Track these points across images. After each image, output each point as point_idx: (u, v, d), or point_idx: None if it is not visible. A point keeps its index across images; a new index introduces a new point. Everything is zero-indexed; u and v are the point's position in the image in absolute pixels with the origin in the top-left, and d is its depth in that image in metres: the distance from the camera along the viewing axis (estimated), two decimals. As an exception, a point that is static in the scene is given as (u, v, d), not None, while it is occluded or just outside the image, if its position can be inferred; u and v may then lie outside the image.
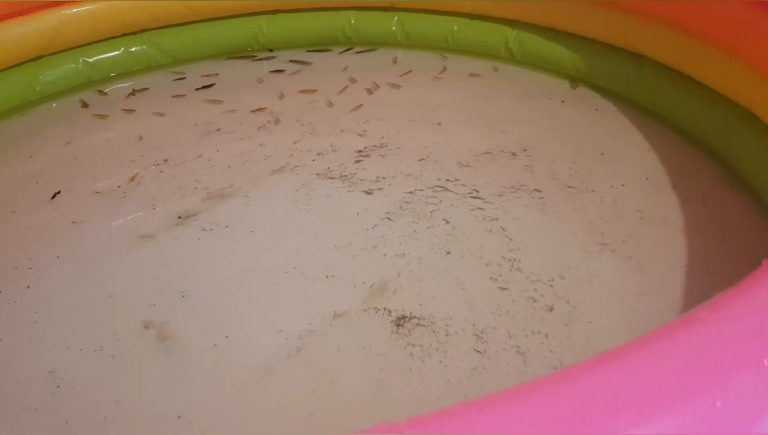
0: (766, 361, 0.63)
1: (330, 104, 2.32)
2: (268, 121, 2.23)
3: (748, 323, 0.68)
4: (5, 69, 2.32)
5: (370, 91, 2.37)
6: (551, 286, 1.58)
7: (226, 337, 1.48)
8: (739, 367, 0.62)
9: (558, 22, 2.34)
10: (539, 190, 1.87)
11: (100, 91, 2.43)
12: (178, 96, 2.41)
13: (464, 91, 2.33)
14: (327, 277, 1.64)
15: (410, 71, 2.48)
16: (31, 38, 2.31)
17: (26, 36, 2.31)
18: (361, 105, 2.30)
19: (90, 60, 2.46)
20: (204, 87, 2.44)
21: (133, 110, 2.32)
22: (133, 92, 2.42)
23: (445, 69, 2.48)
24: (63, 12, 2.35)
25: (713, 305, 0.72)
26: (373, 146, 2.10)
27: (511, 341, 1.45)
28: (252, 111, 2.29)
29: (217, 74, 2.53)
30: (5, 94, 2.32)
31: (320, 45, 2.67)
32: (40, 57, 2.38)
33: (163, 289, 1.61)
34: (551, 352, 1.42)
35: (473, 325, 1.49)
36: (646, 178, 1.89)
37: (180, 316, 1.54)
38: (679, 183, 1.86)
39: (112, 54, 2.50)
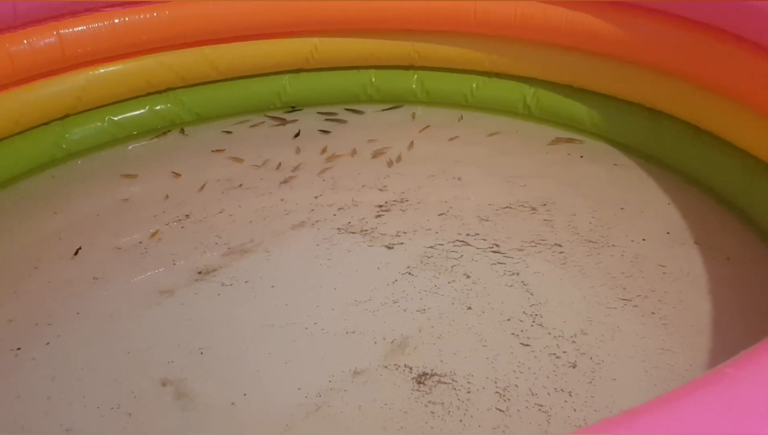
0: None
1: (351, 160, 2.34)
2: (290, 177, 2.26)
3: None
4: (33, 127, 2.38)
5: (390, 147, 2.40)
6: (574, 341, 1.55)
7: (245, 394, 1.47)
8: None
9: (575, 79, 2.37)
10: (560, 245, 1.85)
11: (126, 148, 2.48)
12: (202, 152, 2.45)
13: (483, 147, 2.35)
14: (347, 332, 1.63)
15: (428, 126, 2.50)
16: (59, 98, 2.38)
17: (55, 95, 2.37)
18: (382, 160, 2.32)
19: (115, 118, 2.52)
20: (224, 145, 2.48)
21: (158, 167, 2.36)
22: (159, 149, 2.47)
23: (463, 124, 2.51)
24: (90, 72, 2.42)
25: (740, 361, 0.70)
26: (394, 201, 2.11)
27: (534, 399, 1.42)
28: (274, 167, 2.31)
29: (238, 131, 2.57)
30: (33, 152, 2.37)
31: (342, 103, 2.72)
32: (67, 116, 2.44)
33: (181, 346, 1.61)
34: (575, 410, 1.39)
35: (495, 382, 1.46)
36: (667, 233, 1.87)
37: (198, 374, 1.53)
38: (701, 237, 1.84)
39: (138, 112, 2.56)
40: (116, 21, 2.37)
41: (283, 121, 2.62)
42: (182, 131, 2.57)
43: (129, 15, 2.39)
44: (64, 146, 2.42)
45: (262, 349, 1.59)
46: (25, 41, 2.21)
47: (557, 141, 2.34)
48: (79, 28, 2.31)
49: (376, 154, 2.36)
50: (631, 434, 0.62)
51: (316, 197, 2.15)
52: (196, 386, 1.49)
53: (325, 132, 2.53)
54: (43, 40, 2.25)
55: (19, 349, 1.61)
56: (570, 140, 2.34)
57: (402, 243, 1.92)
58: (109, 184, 2.28)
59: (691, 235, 1.86)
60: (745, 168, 1.91)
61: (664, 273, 1.74)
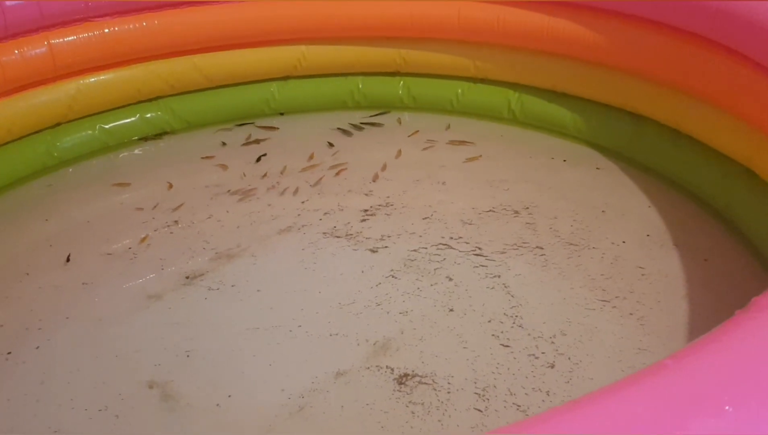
0: (727, 407, 0.64)
1: (336, 165, 2.37)
2: (277, 183, 2.29)
3: (713, 371, 0.69)
4: (25, 136, 2.41)
5: (376, 153, 2.43)
6: (553, 342, 1.58)
7: (229, 396, 1.50)
8: (702, 413, 0.63)
9: (558, 84, 2.41)
10: (541, 248, 1.89)
11: (116, 156, 2.51)
12: (191, 159, 2.48)
13: (469, 151, 2.38)
14: (331, 335, 1.66)
15: (417, 132, 2.54)
16: (50, 106, 2.41)
17: (46, 104, 2.40)
18: (367, 165, 2.35)
19: (106, 126, 2.55)
20: (213, 152, 2.51)
21: (147, 173, 2.39)
22: (149, 156, 2.50)
23: (449, 129, 2.54)
24: (81, 81, 2.45)
25: (681, 354, 0.74)
26: (379, 205, 2.14)
27: (512, 399, 1.45)
28: (262, 173, 2.35)
29: (227, 138, 2.60)
30: (24, 160, 2.40)
31: (329, 109, 2.75)
32: (58, 124, 2.47)
33: (168, 349, 1.63)
34: (553, 409, 1.42)
35: (474, 382, 1.49)
36: (647, 235, 1.91)
37: (184, 376, 1.56)
38: (680, 239, 1.88)
39: (128, 120, 2.59)
40: (106, 31, 2.41)
41: (270, 128, 2.65)
42: (159, 136, 2.59)
43: (119, 25, 2.43)
44: (55, 154, 2.45)
45: (248, 351, 1.62)
46: (16, 51, 2.25)
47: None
48: (70, 38, 2.35)
49: (361, 159, 2.39)
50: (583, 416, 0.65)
51: (302, 202, 2.19)
52: (183, 388, 1.52)
53: (311, 137, 2.56)
54: (34, 49, 2.28)
55: (9, 353, 1.64)
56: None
57: (386, 247, 1.95)
58: (100, 191, 2.31)
59: (671, 237, 1.89)
60: (724, 171, 1.95)
61: (642, 274, 1.77)
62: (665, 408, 0.66)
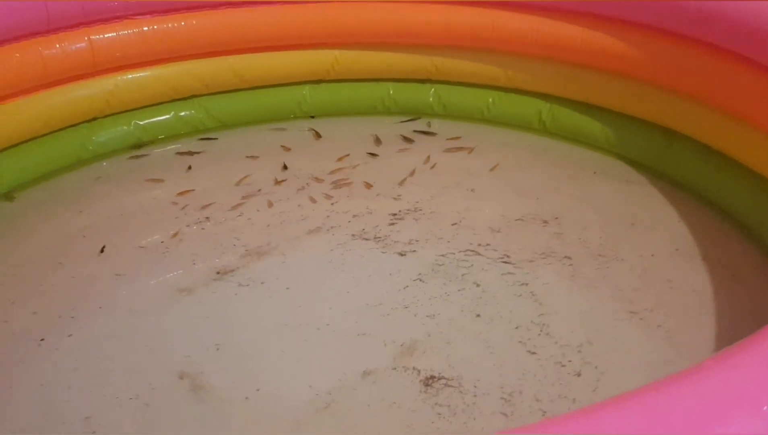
0: (765, 407, 0.65)
1: (367, 168, 2.39)
2: (307, 184, 2.32)
3: (751, 372, 0.70)
4: (62, 129, 2.46)
5: (407, 159, 2.45)
6: (580, 351, 1.59)
7: (258, 390, 1.52)
8: (740, 412, 0.64)
9: (591, 97, 2.41)
10: (569, 257, 1.89)
11: (148, 153, 2.55)
12: (222, 158, 2.52)
13: (498, 160, 2.39)
14: (358, 335, 1.67)
15: (446, 139, 2.55)
16: (88, 101, 2.46)
17: (84, 99, 2.45)
18: (396, 170, 2.37)
19: (141, 123, 2.59)
20: (244, 151, 2.54)
21: (180, 170, 2.42)
22: (180, 154, 2.54)
23: (479, 138, 2.55)
24: (119, 77, 2.50)
25: (721, 356, 0.74)
26: (408, 210, 2.16)
27: (538, 405, 1.46)
28: (293, 174, 2.37)
29: (260, 139, 2.64)
30: (61, 152, 2.45)
31: (360, 114, 2.78)
32: (95, 118, 2.52)
33: (198, 342, 1.66)
34: (579, 417, 1.42)
35: (501, 387, 1.50)
36: (676, 249, 1.91)
37: (214, 368, 1.58)
38: (709, 254, 1.87)
39: (163, 117, 2.63)
40: (145, 29, 2.45)
41: (300, 129, 2.67)
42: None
43: (157, 23, 2.47)
44: (90, 148, 2.49)
45: (276, 347, 1.64)
46: (58, 45, 2.29)
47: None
48: (110, 35, 2.40)
49: (391, 164, 2.41)
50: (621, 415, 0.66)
51: (332, 204, 2.21)
52: (212, 380, 1.54)
53: (339, 141, 2.58)
54: (74, 44, 2.33)
55: (42, 339, 1.68)
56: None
57: (414, 251, 1.97)
58: (133, 185, 2.35)
59: (699, 251, 1.89)
60: (754, 187, 1.94)
61: (671, 288, 1.77)
62: (705, 407, 0.66)
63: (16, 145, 2.33)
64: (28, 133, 2.35)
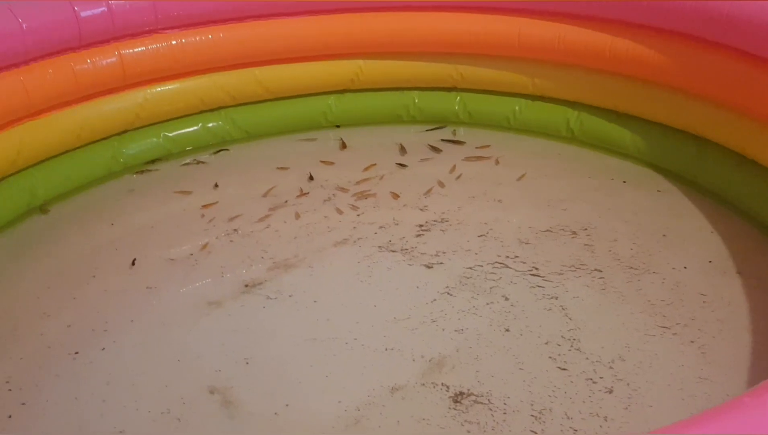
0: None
1: (393, 179, 2.39)
2: (333, 195, 2.32)
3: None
4: (93, 142, 2.50)
5: (432, 169, 2.45)
6: (611, 367, 1.57)
7: (287, 405, 1.53)
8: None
9: (619, 104, 2.38)
10: (600, 270, 1.87)
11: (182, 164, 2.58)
12: (249, 170, 2.53)
13: (525, 169, 2.37)
14: (386, 349, 1.67)
15: (473, 148, 2.54)
16: (118, 114, 2.50)
17: (114, 112, 2.49)
18: (422, 180, 2.36)
19: (170, 135, 2.62)
20: (270, 163, 2.55)
21: (208, 182, 2.45)
22: (208, 165, 2.56)
23: (505, 147, 2.54)
24: (148, 90, 2.53)
25: (759, 390, 0.73)
26: (434, 221, 2.15)
27: (569, 423, 1.44)
28: (318, 185, 2.38)
29: (286, 150, 2.65)
30: (92, 165, 2.48)
31: (385, 123, 2.78)
32: (125, 131, 2.56)
33: (228, 355, 1.67)
34: (610, 435, 1.40)
35: (531, 404, 1.49)
36: (710, 261, 1.87)
37: (243, 383, 1.59)
38: (744, 267, 1.84)
39: (191, 129, 2.66)
40: (173, 42, 2.48)
41: (325, 139, 2.68)
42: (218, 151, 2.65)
43: (185, 37, 2.50)
44: (121, 160, 2.53)
45: (305, 361, 1.65)
46: (89, 61, 2.34)
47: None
48: (139, 49, 2.43)
49: (416, 175, 2.40)
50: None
51: (358, 215, 2.21)
52: (242, 395, 1.55)
53: (366, 151, 2.58)
54: (105, 59, 2.37)
55: (77, 353, 1.70)
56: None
57: (441, 263, 1.96)
58: (163, 197, 2.38)
59: (734, 264, 1.86)
60: (791, 198, 1.91)
61: (704, 302, 1.74)
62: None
63: (50, 158, 2.37)
64: (61, 146, 2.39)
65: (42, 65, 2.24)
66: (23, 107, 2.24)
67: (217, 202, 2.31)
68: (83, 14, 2.27)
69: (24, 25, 2.13)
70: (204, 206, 2.29)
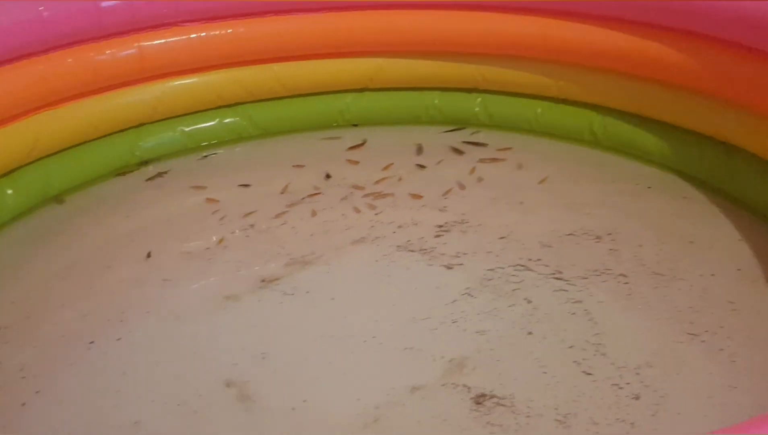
0: None
1: (412, 179, 2.36)
2: (351, 193, 2.29)
3: None
4: (110, 134, 2.49)
5: (451, 169, 2.41)
6: (638, 373, 1.53)
7: (304, 401, 1.49)
8: None
9: (644, 108, 2.34)
10: (625, 275, 1.83)
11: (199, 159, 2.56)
12: (266, 166, 2.51)
13: (547, 172, 2.33)
14: (405, 348, 1.64)
15: (493, 149, 2.50)
16: (136, 107, 2.48)
17: (132, 104, 2.47)
18: (442, 181, 2.33)
19: (187, 129, 2.60)
20: (287, 160, 2.53)
21: (225, 177, 2.42)
22: (224, 161, 2.54)
23: (526, 149, 2.50)
24: (166, 84, 2.52)
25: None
26: (454, 222, 2.12)
27: (595, 428, 1.40)
28: (336, 183, 2.36)
29: (304, 147, 2.62)
30: (108, 157, 2.47)
31: (403, 123, 2.75)
32: (142, 124, 2.54)
33: (245, 350, 1.64)
34: (637, 442, 1.36)
35: (555, 409, 1.45)
36: (738, 269, 1.83)
37: (260, 377, 1.56)
38: (774, 275, 1.80)
39: (208, 124, 2.64)
40: (193, 36, 2.46)
41: (343, 138, 2.65)
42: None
43: (205, 31, 2.48)
44: (137, 153, 2.51)
45: (322, 358, 1.62)
46: (108, 51, 2.32)
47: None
48: (159, 42, 2.41)
49: (435, 175, 2.37)
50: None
51: (376, 214, 2.18)
52: (259, 389, 1.52)
53: (384, 150, 2.55)
54: (124, 51, 2.36)
55: (92, 342, 1.68)
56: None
57: (461, 264, 1.93)
58: (179, 191, 2.35)
59: (763, 272, 1.81)
60: (821, 207, 1.87)
61: (733, 309, 1.70)
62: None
63: (67, 149, 2.35)
64: (78, 137, 2.37)
65: (61, 55, 2.23)
66: (41, 97, 2.23)
67: (232, 198, 2.28)
68: (104, 5, 2.26)
69: (44, 14, 2.11)
70: (218, 201, 2.26)
